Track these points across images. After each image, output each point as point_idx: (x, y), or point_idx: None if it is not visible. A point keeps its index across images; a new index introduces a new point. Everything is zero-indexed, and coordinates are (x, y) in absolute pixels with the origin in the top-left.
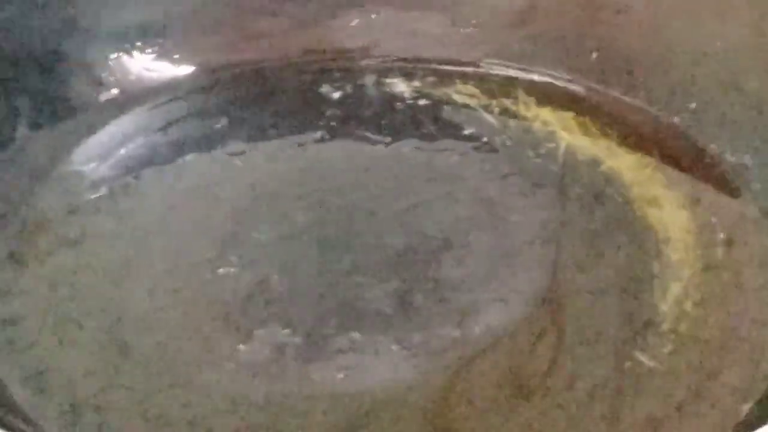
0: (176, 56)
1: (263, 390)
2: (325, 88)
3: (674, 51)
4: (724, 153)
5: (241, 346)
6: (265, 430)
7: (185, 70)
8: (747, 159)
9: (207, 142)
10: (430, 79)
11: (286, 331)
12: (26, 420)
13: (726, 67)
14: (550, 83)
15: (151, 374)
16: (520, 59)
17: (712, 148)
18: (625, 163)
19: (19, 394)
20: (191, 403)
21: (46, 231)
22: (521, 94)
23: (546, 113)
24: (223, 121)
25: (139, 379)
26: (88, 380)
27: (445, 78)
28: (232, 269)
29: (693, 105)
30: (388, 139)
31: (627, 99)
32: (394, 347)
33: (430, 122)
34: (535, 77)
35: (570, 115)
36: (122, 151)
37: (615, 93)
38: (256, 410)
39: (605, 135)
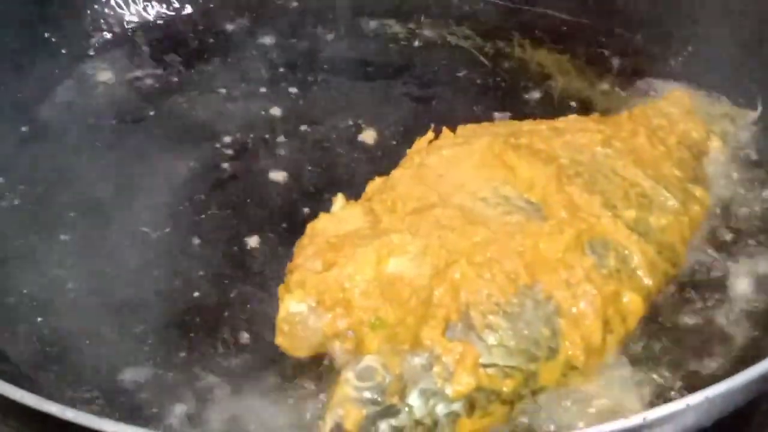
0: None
1: None
2: (319, 30)
3: None
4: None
5: None
6: None
7: (179, 14)
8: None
9: (200, 85)
10: (425, 20)
11: None
12: None
13: (725, 11)
14: (547, 25)
15: None
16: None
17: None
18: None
19: None
20: None
21: None
22: (516, 36)
23: (541, 55)
24: (216, 62)
25: None
26: None
27: (440, 19)
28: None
29: (690, 47)
30: (382, 80)
31: (625, 39)
32: None
33: (423, 64)
34: (531, 19)
35: (566, 57)
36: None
37: (612, 34)
38: None
39: (600, 77)
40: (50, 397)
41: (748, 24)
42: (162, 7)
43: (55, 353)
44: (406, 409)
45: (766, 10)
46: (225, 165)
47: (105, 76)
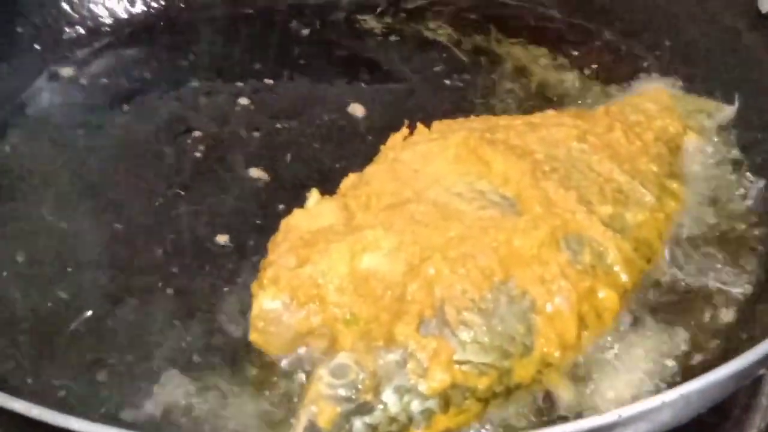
0: None
1: None
2: (294, 25)
3: None
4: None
5: None
6: None
7: (152, 9)
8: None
9: (173, 79)
10: (402, 15)
11: None
12: None
13: (701, 6)
14: (524, 20)
15: None
16: None
17: (687, 83)
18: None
19: None
20: None
21: None
22: (493, 31)
23: (519, 50)
24: (190, 58)
25: None
26: None
27: (417, 14)
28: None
29: (667, 42)
30: (358, 75)
31: (602, 34)
32: None
33: (399, 59)
34: (509, 14)
35: (543, 51)
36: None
37: (589, 29)
38: None
39: (578, 70)
40: None
41: (725, 18)
42: (135, 3)
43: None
44: (381, 406)
45: (743, 4)
46: (198, 159)
47: (77, 71)
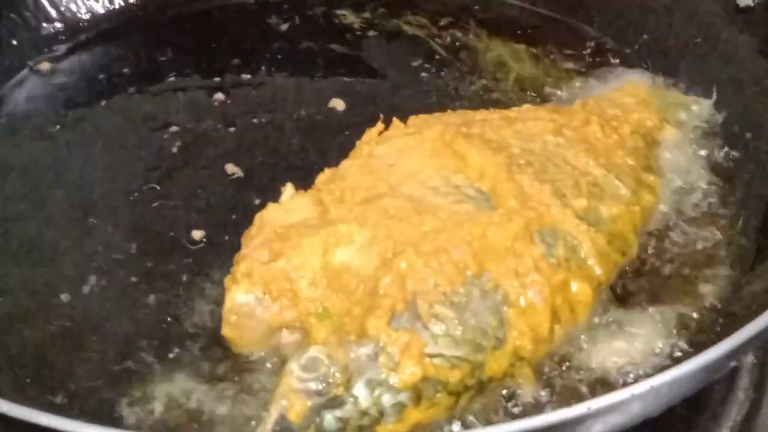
0: None
1: None
2: (273, 20)
3: None
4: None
5: None
6: None
7: (129, 5)
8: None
9: (151, 74)
10: (380, 10)
11: None
12: None
13: (679, 0)
14: (502, 14)
15: None
16: None
17: (665, 77)
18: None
19: None
20: None
21: None
22: (472, 26)
23: (496, 44)
24: (168, 53)
25: None
26: None
27: (396, 9)
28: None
29: (646, 36)
30: (336, 70)
31: (581, 29)
32: None
33: (378, 53)
34: (487, 8)
35: (520, 46)
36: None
37: (567, 24)
38: None
39: (555, 64)
40: None
41: (703, 13)
42: (112, 0)
43: None
44: (352, 399)
45: None
46: (175, 155)
47: (54, 67)
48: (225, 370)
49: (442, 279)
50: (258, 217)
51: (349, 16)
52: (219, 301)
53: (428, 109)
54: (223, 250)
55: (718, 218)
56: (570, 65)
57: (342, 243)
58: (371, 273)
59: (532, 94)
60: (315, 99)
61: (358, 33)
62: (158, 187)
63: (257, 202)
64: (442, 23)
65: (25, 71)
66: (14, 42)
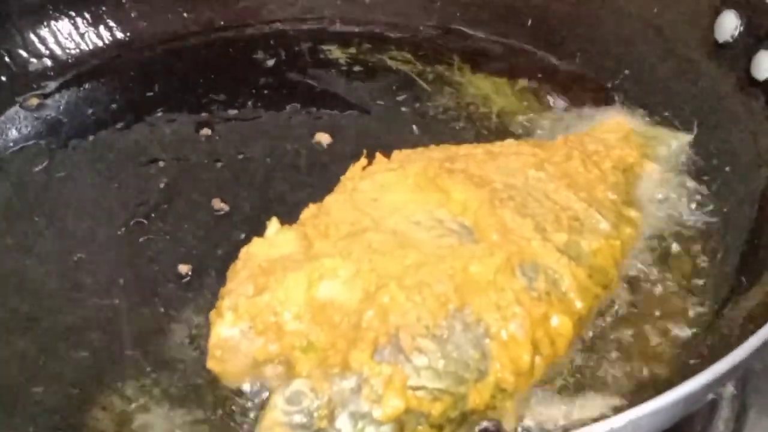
0: (110, 25)
1: None
2: (259, 55)
3: (606, 18)
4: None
5: None
6: None
7: (117, 41)
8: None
9: (139, 110)
10: (366, 45)
11: None
12: None
13: (659, 36)
14: (486, 50)
15: None
16: (456, 26)
17: (646, 111)
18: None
19: None
20: None
21: None
22: (456, 61)
23: (480, 79)
24: (155, 88)
25: None
26: None
27: (381, 44)
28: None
29: (627, 71)
30: (321, 105)
31: (563, 65)
32: None
33: (364, 89)
34: (471, 44)
35: (503, 81)
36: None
37: (550, 59)
38: None
39: (538, 100)
40: None
41: (683, 48)
42: (100, 36)
43: None
44: None
45: (699, 33)
46: (162, 189)
47: (43, 103)
48: (209, 404)
49: (424, 312)
50: (243, 252)
51: (334, 52)
52: (204, 335)
53: (412, 144)
54: (208, 284)
55: (698, 252)
56: (552, 100)
57: (326, 277)
58: (355, 306)
59: (515, 129)
60: (300, 134)
61: (344, 68)
62: (145, 222)
63: (243, 236)
64: (426, 59)
65: (15, 107)
66: (3, 78)
